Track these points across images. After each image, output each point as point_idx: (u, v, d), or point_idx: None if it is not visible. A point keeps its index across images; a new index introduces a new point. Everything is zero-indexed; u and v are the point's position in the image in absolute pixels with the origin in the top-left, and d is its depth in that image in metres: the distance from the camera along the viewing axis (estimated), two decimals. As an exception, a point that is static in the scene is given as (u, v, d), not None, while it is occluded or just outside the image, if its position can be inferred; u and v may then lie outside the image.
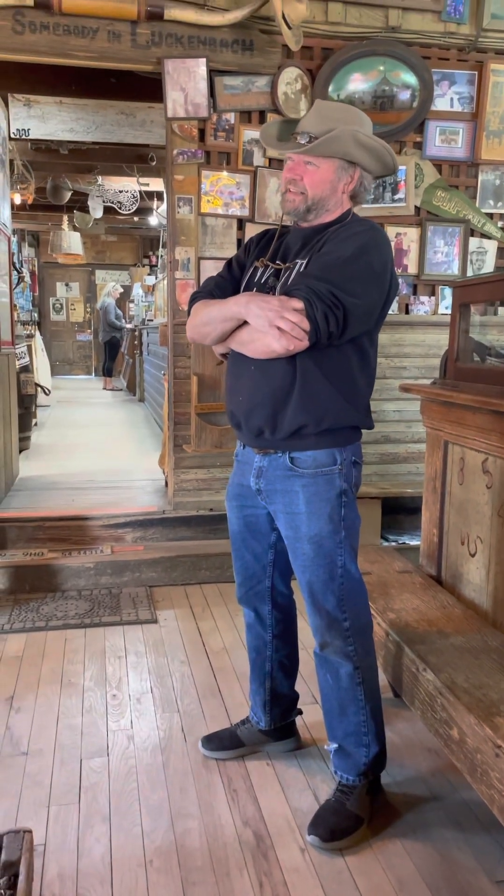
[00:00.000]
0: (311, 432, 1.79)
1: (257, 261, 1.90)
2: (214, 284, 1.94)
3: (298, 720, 2.28)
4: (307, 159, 1.76)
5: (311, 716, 2.34)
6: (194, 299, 1.93)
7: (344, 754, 1.95)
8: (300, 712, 2.26)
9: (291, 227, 1.92)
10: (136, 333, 10.02)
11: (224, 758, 2.19)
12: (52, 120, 5.33)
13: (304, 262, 1.78)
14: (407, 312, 4.06)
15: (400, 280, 3.92)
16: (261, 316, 1.66)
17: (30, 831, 1.47)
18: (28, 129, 5.28)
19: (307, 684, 2.51)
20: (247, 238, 1.97)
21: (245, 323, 1.73)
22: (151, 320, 9.10)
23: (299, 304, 1.64)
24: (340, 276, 1.67)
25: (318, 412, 1.77)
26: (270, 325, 1.64)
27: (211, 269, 3.72)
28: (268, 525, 2.00)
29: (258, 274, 1.87)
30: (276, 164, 3.73)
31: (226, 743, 2.21)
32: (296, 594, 2.13)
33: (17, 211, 7.02)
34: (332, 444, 1.82)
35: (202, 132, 3.66)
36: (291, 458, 1.83)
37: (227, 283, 1.94)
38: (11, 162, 6.03)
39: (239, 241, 3.76)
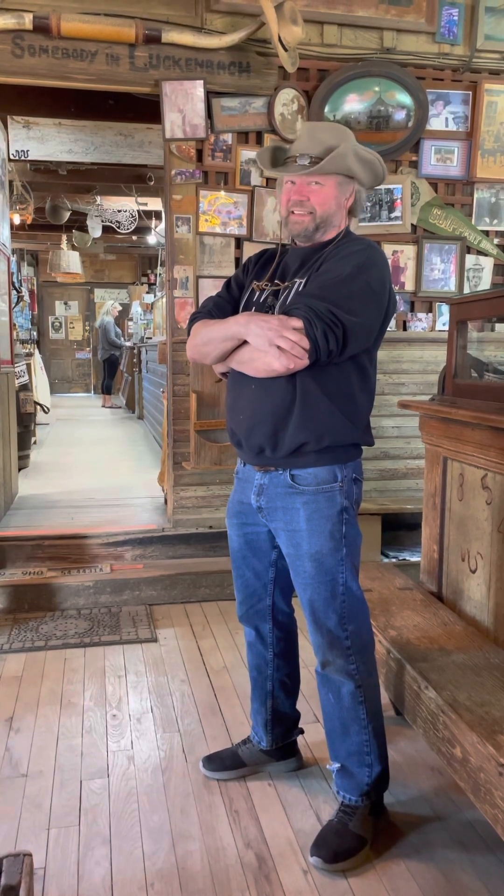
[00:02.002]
0: (311, 450, 1.79)
1: (256, 282, 1.92)
2: (213, 304, 1.95)
3: (300, 739, 2.26)
4: (313, 179, 1.79)
5: (313, 735, 2.32)
6: (193, 319, 1.94)
7: (346, 774, 1.93)
8: (301, 731, 2.25)
9: (290, 247, 1.94)
10: (135, 351, 10.05)
11: (225, 778, 2.17)
12: (50, 141, 5.39)
13: (303, 281, 1.80)
14: (405, 329, 4.08)
15: (398, 297, 3.94)
16: (261, 335, 1.68)
17: (30, 854, 1.45)
18: (27, 151, 5.33)
19: (308, 703, 2.49)
20: (245, 257, 1.98)
21: (245, 342, 1.75)
22: (150, 338, 9.13)
23: (299, 323, 1.66)
24: (339, 294, 1.69)
25: (318, 430, 1.77)
26: (270, 344, 1.66)
27: (209, 288, 3.75)
28: (268, 543, 2.00)
29: (256, 294, 1.90)
30: (272, 183, 3.76)
31: (227, 763, 2.19)
32: (297, 612, 2.12)
33: (16, 231, 7.06)
34: (333, 461, 1.83)
35: (200, 152, 3.69)
36: (292, 475, 1.84)
37: (226, 303, 1.96)
38: (11, 182, 6.07)
39: (237, 260, 3.78)
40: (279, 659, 2.14)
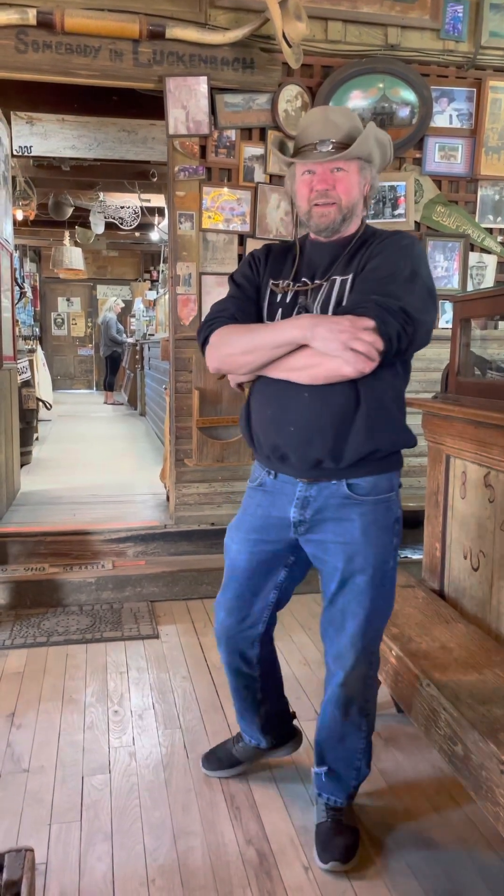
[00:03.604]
0: (379, 457, 1.69)
1: (274, 281, 1.76)
2: (235, 308, 1.75)
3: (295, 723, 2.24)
4: (337, 165, 1.66)
5: (312, 732, 2.32)
6: (213, 325, 1.73)
7: (333, 777, 1.91)
8: (294, 715, 2.22)
9: (307, 242, 1.79)
10: (138, 348, 10.05)
11: (225, 776, 2.16)
12: (54, 137, 5.38)
13: (347, 278, 1.66)
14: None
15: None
16: (331, 339, 1.51)
17: (31, 850, 1.45)
18: (30, 147, 5.33)
19: (310, 700, 2.49)
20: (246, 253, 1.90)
21: (298, 347, 1.59)
22: (153, 335, 9.12)
23: (371, 323, 1.52)
24: (404, 292, 1.57)
25: (386, 435, 1.67)
26: (345, 348, 1.51)
27: (212, 285, 3.75)
28: (282, 561, 1.86)
29: (279, 295, 1.74)
30: (276, 180, 3.75)
31: (224, 762, 2.18)
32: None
33: (18, 227, 7.05)
34: (390, 467, 1.73)
35: (203, 149, 3.69)
36: (349, 484, 1.70)
37: (248, 305, 1.76)
38: (14, 179, 6.07)
39: (240, 257, 3.77)
40: (266, 674, 2.05)
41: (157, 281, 12.26)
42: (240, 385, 1.79)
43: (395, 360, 1.62)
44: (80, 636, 3.15)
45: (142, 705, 2.60)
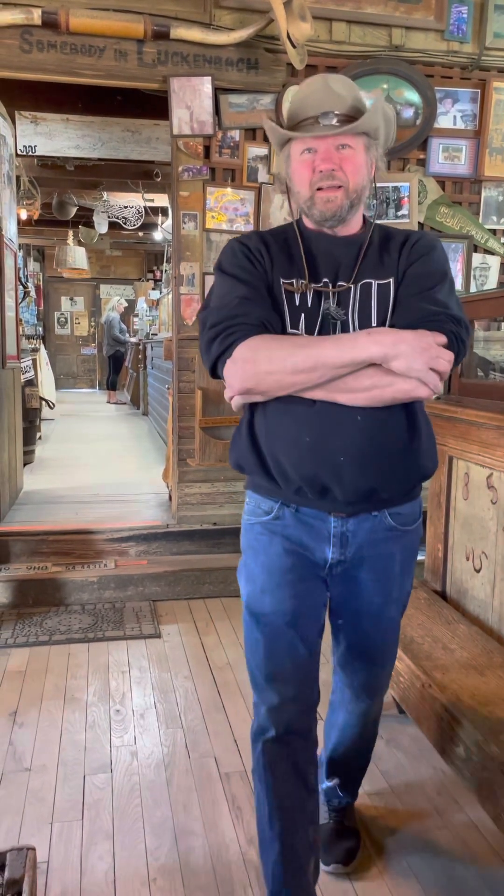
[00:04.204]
0: (418, 486, 1.54)
1: (291, 281, 1.45)
2: (262, 312, 1.41)
3: None
4: (341, 141, 1.42)
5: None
6: (235, 334, 1.38)
7: (347, 785, 1.89)
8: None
9: (309, 234, 1.51)
10: (140, 347, 10.05)
11: None
12: (58, 137, 5.38)
13: (385, 282, 1.44)
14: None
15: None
16: (415, 358, 1.30)
17: (33, 849, 1.46)
18: (35, 146, 5.33)
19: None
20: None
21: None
22: (156, 334, 9.13)
23: (444, 339, 1.35)
24: (455, 302, 1.42)
25: (434, 461, 1.52)
26: (427, 369, 1.31)
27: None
28: (322, 600, 1.56)
29: (297, 297, 1.45)
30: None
31: None
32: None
33: (22, 226, 7.07)
34: (420, 489, 1.57)
35: (207, 149, 3.69)
36: (392, 514, 1.50)
37: (274, 312, 1.44)
38: (18, 178, 6.08)
39: (243, 257, 3.77)
40: (316, 783, 1.60)
41: (161, 281, 12.25)
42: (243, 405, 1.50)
43: None
44: (82, 635, 3.16)
45: (143, 705, 2.61)
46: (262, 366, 1.36)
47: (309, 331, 1.43)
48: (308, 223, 1.51)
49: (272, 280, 1.46)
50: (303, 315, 1.44)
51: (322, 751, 1.88)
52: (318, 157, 1.42)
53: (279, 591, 1.50)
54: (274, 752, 1.53)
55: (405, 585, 1.59)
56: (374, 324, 1.41)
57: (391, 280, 1.44)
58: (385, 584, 1.54)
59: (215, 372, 1.45)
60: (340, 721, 1.80)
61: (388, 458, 1.42)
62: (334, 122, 1.41)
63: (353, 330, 1.41)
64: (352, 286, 1.44)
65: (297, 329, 1.43)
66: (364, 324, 1.41)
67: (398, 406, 1.40)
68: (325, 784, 1.90)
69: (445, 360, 1.33)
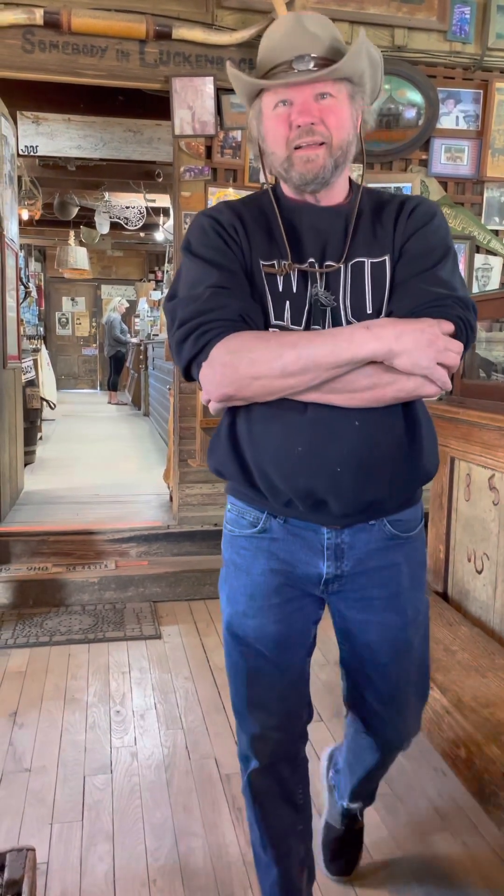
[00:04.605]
0: (418, 492, 1.38)
1: (272, 262, 1.25)
2: (242, 305, 1.21)
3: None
4: (322, 89, 1.19)
5: (314, 733, 2.32)
6: (213, 333, 1.18)
7: (367, 796, 1.72)
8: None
9: (288, 204, 1.29)
10: (142, 348, 10.05)
11: None
12: (60, 137, 5.39)
13: (380, 261, 1.25)
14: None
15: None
16: (421, 353, 1.13)
17: (33, 849, 1.45)
18: (36, 146, 5.34)
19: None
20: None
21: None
22: (157, 335, 9.13)
23: (451, 327, 1.18)
24: (459, 280, 1.24)
25: (436, 461, 1.35)
26: (434, 364, 1.14)
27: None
28: (312, 619, 1.40)
29: (280, 281, 1.25)
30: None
31: None
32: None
33: (24, 226, 7.07)
34: (422, 491, 1.41)
35: (209, 149, 3.69)
36: (392, 521, 1.33)
37: (252, 301, 1.24)
38: (19, 178, 6.07)
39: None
40: (306, 795, 1.52)
41: (162, 281, 12.26)
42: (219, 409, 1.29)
43: None
44: (82, 636, 3.15)
45: (144, 706, 2.60)
46: (245, 370, 1.16)
47: (296, 321, 1.24)
48: (287, 190, 1.29)
49: (250, 262, 1.25)
50: (288, 303, 1.24)
51: (341, 777, 1.71)
52: (294, 109, 1.20)
53: (262, 616, 1.35)
54: (260, 782, 1.43)
55: (419, 602, 1.39)
56: (368, 310, 1.24)
57: (387, 258, 1.25)
58: (396, 600, 1.35)
59: (189, 375, 1.24)
60: (359, 770, 1.59)
61: (390, 464, 1.25)
62: (311, 66, 1.18)
63: (345, 318, 1.23)
64: (342, 266, 1.24)
65: (283, 319, 1.24)
66: (357, 310, 1.23)
67: (396, 405, 1.23)
68: (343, 802, 1.71)
69: (455, 351, 1.16)
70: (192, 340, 1.19)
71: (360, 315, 1.24)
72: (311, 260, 1.25)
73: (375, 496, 1.27)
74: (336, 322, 1.24)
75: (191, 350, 1.20)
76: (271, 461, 1.25)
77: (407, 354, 1.13)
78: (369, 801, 1.74)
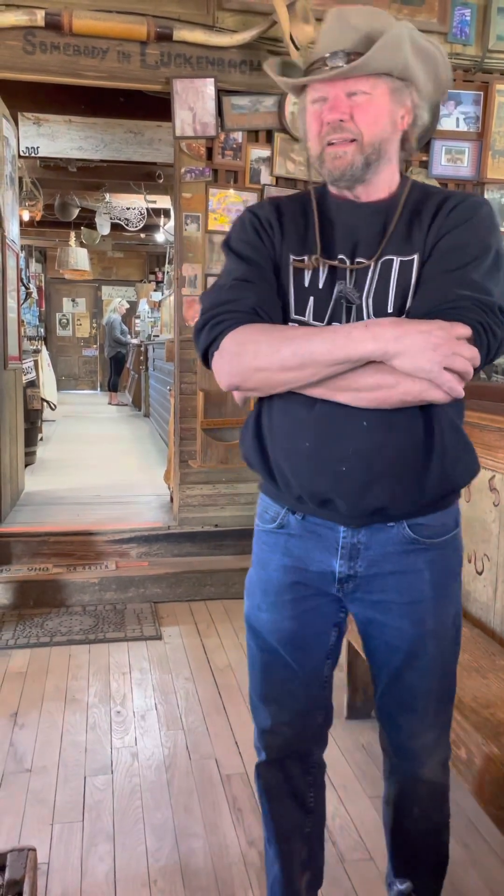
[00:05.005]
0: (447, 497, 1.30)
1: (297, 257, 1.26)
2: (258, 298, 1.23)
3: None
4: (353, 87, 1.17)
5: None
6: (224, 323, 1.21)
7: (424, 891, 1.50)
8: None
9: (329, 200, 1.29)
10: (142, 349, 10.06)
11: None
12: (60, 138, 5.39)
13: (410, 259, 1.21)
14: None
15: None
16: (423, 355, 1.09)
17: (34, 849, 1.46)
18: (37, 147, 5.34)
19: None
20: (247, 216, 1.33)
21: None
22: (157, 336, 9.14)
23: (467, 331, 1.12)
24: (493, 281, 1.17)
25: (465, 471, 1.28)
26: (440, 369, 1.09)
27: (218, 286, 3.74)
28: (332, 621, 1.38)
29: (307, 277, 1.25)
30: (283, 182, 3.76)
31: None
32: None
33: (24, 227, 7.06)
34: (457, 496, 1.34)
35: (210, 151, 3.69)
36: (412, 525, 1.28)
37: (271, 293, 1.26)
38: (20, 179, 6.08)
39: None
40: (318, 799, 1.50)
41: (163, 282, 12.27)
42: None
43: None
44: (83, 637, 3.16)
45: (144, 706, 2.60)
46: (249, 361, 1.18)
47: (318, 317, 1.23)
48: (331, 187, 1.29)
49: (280, 256, 1.27)
50: (312, 299, 1.24)
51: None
52: (326, 107, 1.20)
53: (276, 612, 1.36)
54: (268, 775, 1.46)
55: (444, 615, 1.32)
56: (389, 310, 1.20)
57: (416, 256, 1.21)
58: (414, 608, 1.29)
59: (207, 363, 1.28)
60: (392, 795, 1.49)
61: (400, 470, 1.21)
62: (342, 63, 1.16)
63: (366, 316, 1.21)
64: (371, 264, 1.22)
65: (304, 315, 1.24)
66: (379, 309, 1.21)
67: (414, 409, 1.18)
68: (395, 885, 1.51)
69: (466, 357, 1.10)
70: (208, 329, 1.23)
71: (380, 314, 1.21)
72: (341, 256, 1.24)
73: (383, 500, 1.23)
74: (358, 320, 1.22)
75: (206, 339, 1.24)
76: (283, 455, 1.26)
77: (407, 356, 1.09)
78: (423, 879, 1.50)
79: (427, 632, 1.31)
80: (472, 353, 1.11)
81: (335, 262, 1.24)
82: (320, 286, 1.24)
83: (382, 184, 1.25)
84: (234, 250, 1.29)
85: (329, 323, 1.23)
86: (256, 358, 1.17)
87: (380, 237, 1.23)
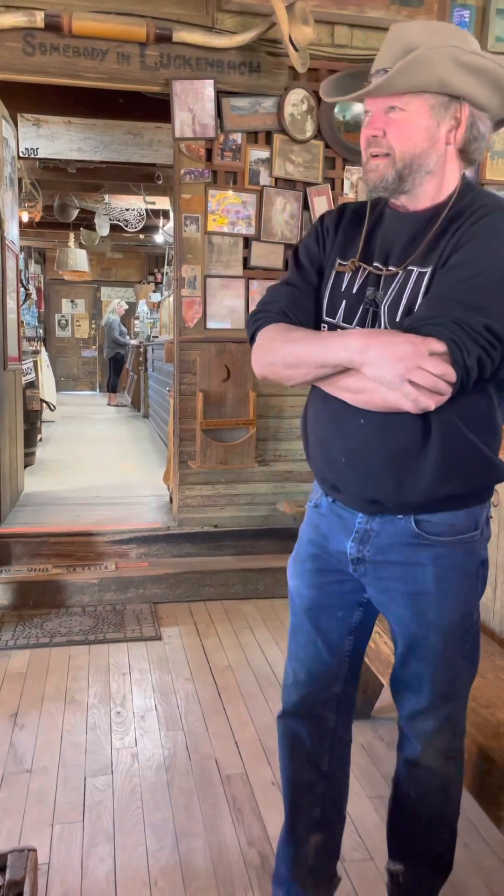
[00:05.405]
0: (453, 500, 1.33)
1: (343, 260, 1.37)
2: (288, 300, 1.38)
3: None
4: (388, 103, 1.24)
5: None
6: (259, 321, 1.39)
7: (413, 877, 1.53)
8: (339, 880, 1.64)
9: (386, 209, 1.37)
10: (141, 350, 10.07)
11: None
12: (60, 139, 5.40)
13: (426, 271, 1.26)
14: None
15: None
16: (387, 366, 1.15)
17: (34, 850, 1.46)
18: (37, 149, 5.35)
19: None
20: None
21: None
22: (156, 337, 9.14)
23: (441, 347, 1.15)
24: (494, 300, 1.18)
25: (467, 478, 1.30)
26: (402, 381, 1.14)
27: (217, 287, 3.75)
28: (353, 601, 1.48)
29: (346, 280, 1.35)
30: (282, 183, 3.77)
31: None
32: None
33: (24, 228, 7.07)
34: (475, 501, 1.36)
35: (209, 152, 3.70)
36: (418, 521, 1.33)
37: (305, 297, 1.39)
38: (20, 180, 6.08)
39: (245, 260, 3.78)
40: (336, 768, 1.56)
41: (162, 283, 12.28)
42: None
43: (485, 386, 1.26)
44: (82, 637, 3.16)
45: (144, 707, 2.60)
46: (267, 356, 1.35)
47: (348, 320, 1.33)
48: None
49: (328, 261, 1.39)
50: (344, 303, 1.34)
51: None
52: (368, 121, 1.29)
53: (299, 579, 1.51)
54: (284, 727, 1.55)
55: (448, 611, 1.36)
56: (398, 319, 1.27)
57: (431, 268, 1.25)
58: (415, 599, 1.36)
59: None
60: (396, 772, 1.55)
61: (391, 470, 1.28)
62: (376, 82, 1.23)
63: (383, 323, 1.29)
64: (399, 272, 1.28)
65: (334, 317, 1.36)
66: (391, 318, 1.28)
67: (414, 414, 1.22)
68: (387, 865, 1.58)
69: (433, 372, 1.13)
70: (252, 322, 1.41)
71: (392, 322, 1.28)
72: (377, 263, 1.33)
73: (376, 493, 1.32)
74: (376, 326, 1.30)
75: (250, 330, 1.42)
76: (312, 437, 1.43)
77: (371, 366, 1.18)
78: (416, 868, 1.53)
79: (428, 623, 1.36)
80: (443, 370, 1.15)
81: (370, 268, 1.33)
82: (354, 290, 1.34)
83: (426, 195, 1.30)
84: (295, 254, 1.45)
85: (357, 326, 1.32)
86: (272, 354, 1.33)
87: (411, 247, 1.29)
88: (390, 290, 1.29)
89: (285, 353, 1.30)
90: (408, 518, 1.34)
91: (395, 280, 1.29)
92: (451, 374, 1.16)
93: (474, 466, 1.30)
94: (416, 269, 1.27)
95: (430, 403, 1.17)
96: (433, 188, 1.30)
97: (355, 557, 1.40)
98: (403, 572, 1.36)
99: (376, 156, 1.27)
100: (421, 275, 1.26)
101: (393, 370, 1.15)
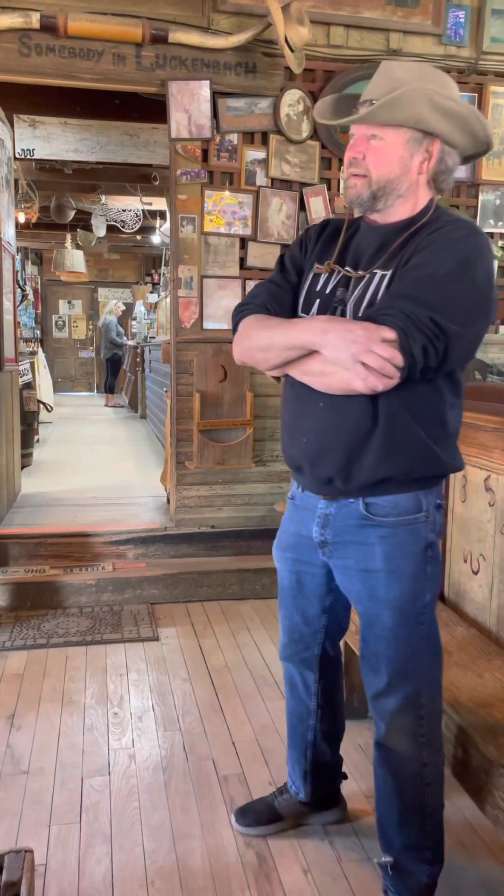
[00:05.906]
0: (393, 483, 1.49)
1: (320, 264, 1.56)
2: (268, 294, 1.59)
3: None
4: (370, 131, 1.43)
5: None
6: (243, 313, 1.59)
7: (400, 871, 1.62)
8: (345, 776, 1.99)
9: (362, 223, 1.57)
10: (138, 350, 10.06)
11: (261, 834, 1.92)
12: (56, 140, 5.39)
13: (387, 273, 1.45)
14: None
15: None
16: (342, 348, 1.34)
17: (31, 851, 1.46)
18: (33, 149, 5.34)
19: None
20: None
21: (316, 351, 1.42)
22: (153, 338, 9.13)
23: (391, 335, 1.32)
24: (441, 297, 1.35)
25: (404, 463, 1.47)
26: (354, 361, 1.33)
27: (214, 288, 3.75)
28: (324, 586, 1.69)
29: (321, 281, 1.55)
30: (278, 184, 3.77)
31: (262, 817, 1.94)
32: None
33: (20, 229, 7.08)
34: (418, 486, 1.51)
35: (205, 152, 3.70)
36: (366, 503, 1.52)
37: (284, 293, 1.60)
38: (16, 181, 6.08)
39: (241, 260, 3.78)
40: (323, 708, 1.86)
41: (159, 284, 12.28)
42: (276, 377, 1.62)
43: (433, 377, 1.42)
44: (80, 638, 3.16)
45: (141, 707, 2.60)
46: (245, 342, 1.54)
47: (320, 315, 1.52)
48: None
49: (308, 264, 1.59)
50: (318, 301, 1.53)
51: None
52: (351, 143, 1.48)
53: (281, 563, 1.76)
54: (284, 668, 1.89)
55: (395, 587, 1.51)
56: (359, 314, 1.45)
57: (391, 271, 1.44)
58: (367, 577, 1.54)
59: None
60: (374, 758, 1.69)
61: (342, 449, 1.47)
62: (362, 111, 1.42)
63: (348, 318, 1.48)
64: (364, 275, 1.48)
65: (308, 313, 1.54)
66: (354, 314, 1.46)
67: (363, 398, 1.41)
68: (381, 860, 1.67)
69: (382, 355, 1.31)
70: (235, 314, 1.61)
71: (354, 317, 1.46)
72: (348, 268, 1.52)
73: (330, 471, 1.50)
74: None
75: (233, 322, 1.62)
76: (282, 426, 1.64)
77: (330, 348, 1.36)
78: (402, 858, 1.62)
79: (380, 600, 1.53)
80: (390, 354, 1.32)
81: (343, 270, 1.51)
82: (327, 291, 1.52)
83: (398, 210, 1.49)
84: (281, 258, 1.67)
85: None
86: (249, 339, 1.53)
87: (378, 254, 1.49)
88: (357, 290, 1.48)
89: (259, 338, 1.50)
90: (357, 501, 1.52)
91: (362, 281, 1.48)
92: (399, 359, 1.33)
93: (415, 453, 1.47)
94: (379, 272, 1.46)
95: (379, 385, 1.34)
96: (402, 208, 1.49)
97: (320, 541, 1.60)
98: (356, 551, 1.55)
99: (356, 175, 1.46)
100: (383, 276, 1.45)
101: (347, 352, 1.33)
